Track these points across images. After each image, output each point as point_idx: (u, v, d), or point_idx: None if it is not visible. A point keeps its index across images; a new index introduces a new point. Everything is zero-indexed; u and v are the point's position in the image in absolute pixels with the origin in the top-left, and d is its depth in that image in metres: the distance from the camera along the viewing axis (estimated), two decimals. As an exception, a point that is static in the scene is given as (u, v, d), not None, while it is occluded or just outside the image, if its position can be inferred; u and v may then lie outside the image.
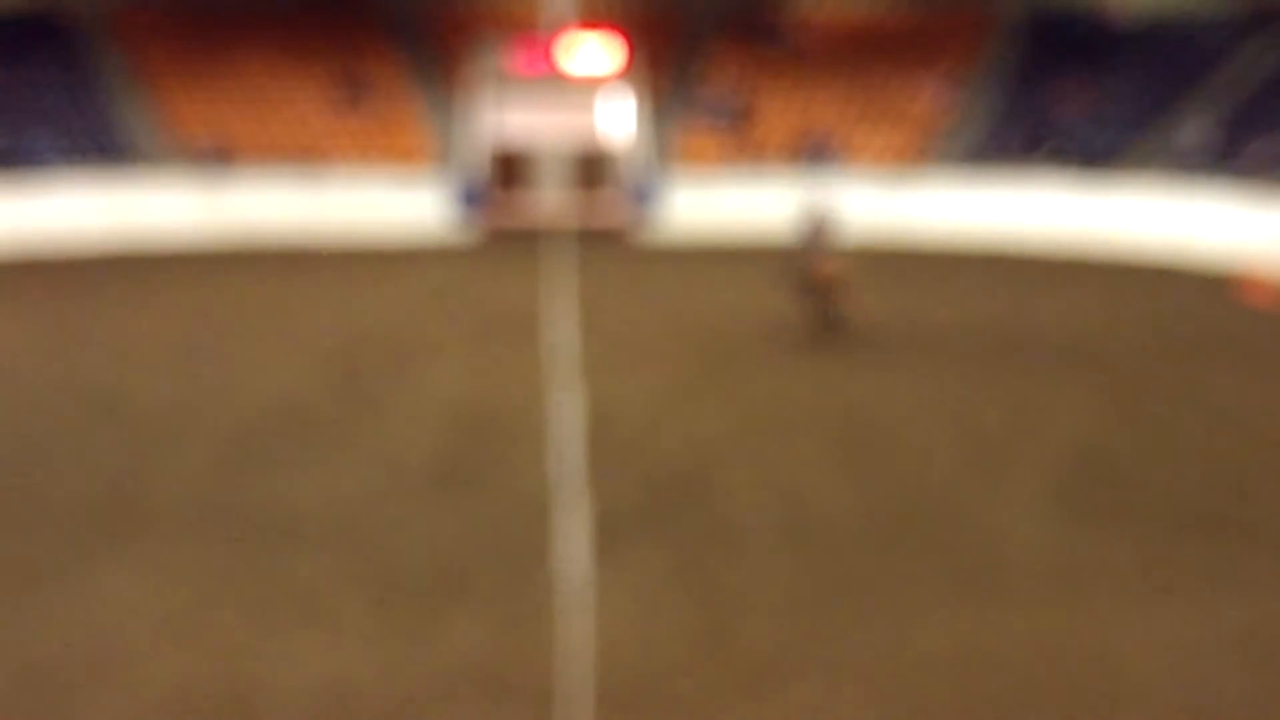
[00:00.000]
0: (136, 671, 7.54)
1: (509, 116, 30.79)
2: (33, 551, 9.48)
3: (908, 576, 9.05)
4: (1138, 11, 31.52)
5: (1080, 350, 16.82)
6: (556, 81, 30.43)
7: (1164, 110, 28.66)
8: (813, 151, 29.56)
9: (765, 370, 15.60)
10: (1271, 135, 25.90)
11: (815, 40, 32.38)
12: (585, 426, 12.33)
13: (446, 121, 30.57)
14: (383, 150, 29.50)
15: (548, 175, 31.41)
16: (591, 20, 30.01)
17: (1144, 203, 26.90)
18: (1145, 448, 12.33)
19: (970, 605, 8.55)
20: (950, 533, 9.92)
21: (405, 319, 18.96)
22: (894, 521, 10.19)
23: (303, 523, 10.07)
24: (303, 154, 29.00)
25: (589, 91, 31.20)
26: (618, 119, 31.15)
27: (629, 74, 30.76)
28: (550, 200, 31.10)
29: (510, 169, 31.04)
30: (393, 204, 28.68)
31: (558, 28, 29.04)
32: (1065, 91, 29.98)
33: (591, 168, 31.37)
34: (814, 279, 17.25)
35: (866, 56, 31.86)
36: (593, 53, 30.18)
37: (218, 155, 28.53)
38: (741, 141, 29.95)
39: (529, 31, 30.28)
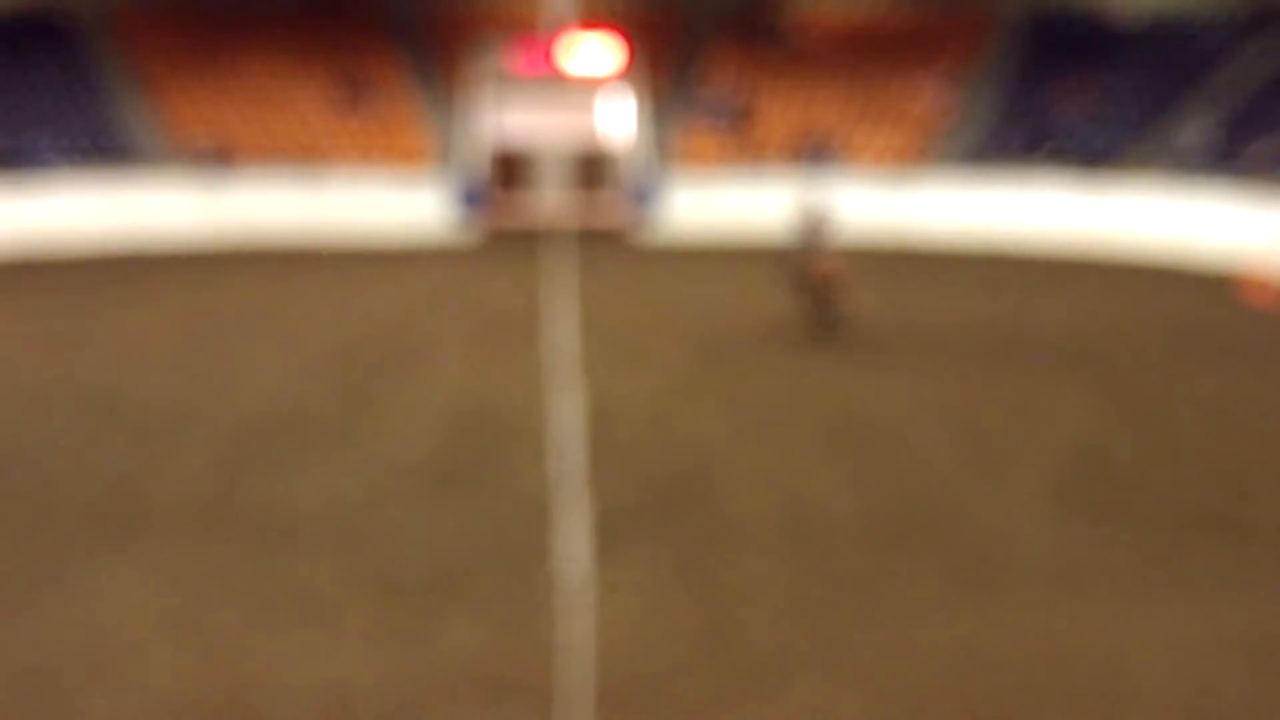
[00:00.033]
0: (136, 672, 7.53)
1: (509, 117, 30.80)
2: (33, 552, 9.48)
3: (908, 576, 9.05)
4: (1138, 11, 31.53)
5: (1080, 350, 16.82)
6: (557, 82, 30.45)
7: (1164, 110, 28.67)
8: (813, 152, 29.56)
9: (766, 370, 15.59)
10: (1272, 135, 25.90)
11: (815, 40, 32.39)
12: (585, 426, 12.33)
13: (447, 122, 30.58)
14: (383, 150, 29.51)
15: (548, 175, 31.42)
16: (591, 20, 30.01)
17: (1144, 203, 26.91)
18: (1145, 448, 12.33)
19: (970, 605, 8.54)
20: (950, 532, 9.92)
21: (405, 319, 18.97)
22: (894, 521, 10.19)
23: (303, 523, 10.06)
24: (303, 154, 29.01)
25: (589, 92, 31.21)
26: (618, 119, 31.16)
27: (629, 74, 30.77)
28: (550, 200, 31.11)
29: (510, 169, 31.05)
30: (393, 204, 28.69)
31: (558, 28, 29.05)
32: (1065, 91, 29.99)
33: (592, 168, 31.39)
34: (811, 278, 17.31)
35: (867, 57, 31.86)
36: (593, 53, 30.18)
37: (218, 155, 28.54)
38: (742, 142, 29.96)
39: (529, 32, 30.29)
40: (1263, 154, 25.64)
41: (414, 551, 9.46)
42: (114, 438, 12.47)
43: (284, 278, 23.10)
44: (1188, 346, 17.26)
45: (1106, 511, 10.44)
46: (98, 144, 28.09)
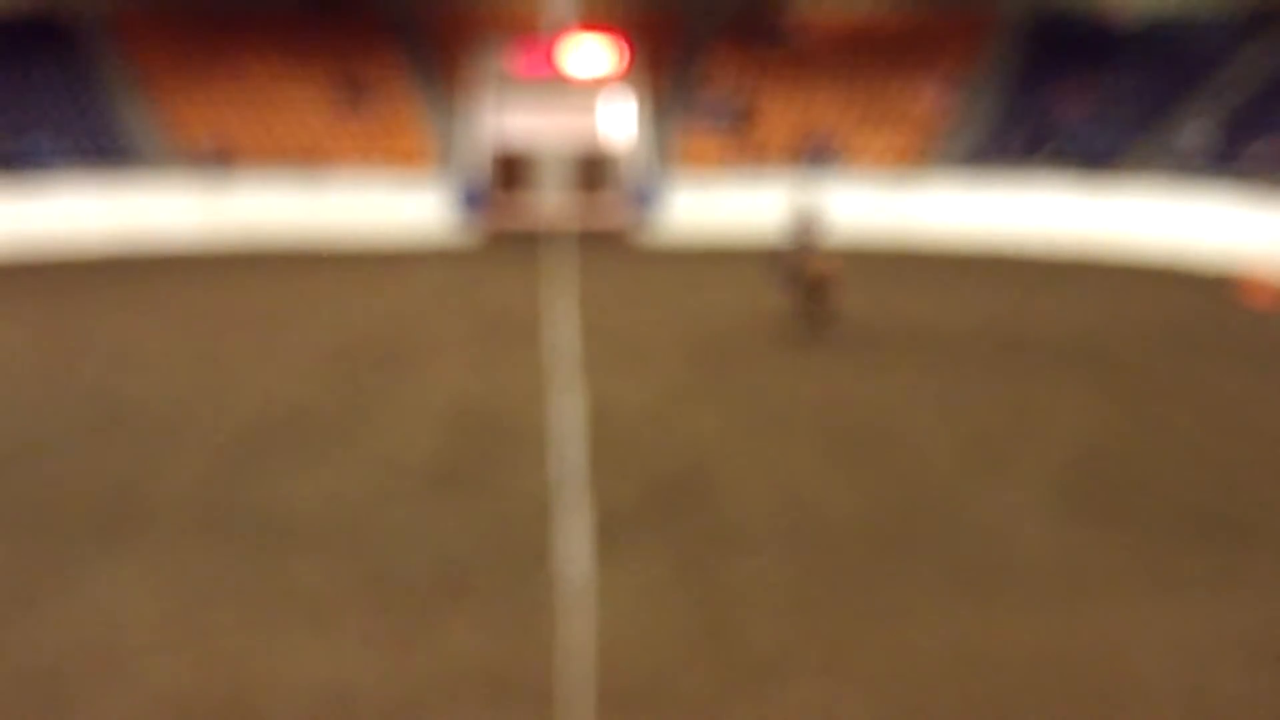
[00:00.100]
0: (136, 673, 7.54)
1: (510, 118, 30.83)
2: (33, 553, 9.49)
3: (908, 576, 9.05)
4: (1138, 13, 31.55)
5: (1081, 351, 16.83)
6: (557, 83, 30.47)
7: (1164, 111, 28.68)
8: (813, 153, 29.57)
9: (766, 371, 15.60)
10: (1272, 136, 25.91)
11: (816, 42, 32.41)
12: (586, 427, 12.34)
13: (447, 123, 30.61)
14: (383, 152, 29.52)
15: (548, 177, 31.44)
16: (592, 22, 30.04)
17: (1144, 204, 26.92)
18: (1146, 448, 12.34)
19: (970, 605, 8.55)
20: (950, 532, 9.93)
21: (406, 320, 18.98)
22: (894, 521, 10.19)
23: (303, 524, 10.07)
24: (304, 156, 29.03)
25: (590, 93, 31.23)
26: (618, 121, 31.18)
27: (630, 76, 30.79)
28: (551, 202, 31.13)
29: (511, 171, 31.07)
30: (394, 206, 28.71)
31: (558, 29, 29.07)
32: (1066, 93, 30.00)
33: (592, 169, 31.40)
34: (803, 277, 17.47)
35: (867, 58, 31.89)
36: (593, 54, 30.20)
37: (219, 157, 28.56)
38: (742, 143, 29.97)
39: (530, 33, 30.32)
40: (1263, 155, 25.64)
41: (414, 552, 9.47)
42: (114, 438, 12.48)
43: (285, 279, 23.12)
44: (1188, 347, 17.27)
45: (1106, 511, 10.45)
46: (98, 145, 28.11)
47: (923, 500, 10.71)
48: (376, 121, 30.22)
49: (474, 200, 29.28)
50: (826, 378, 15.23)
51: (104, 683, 7.42)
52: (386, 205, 28.67)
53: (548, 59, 30.00)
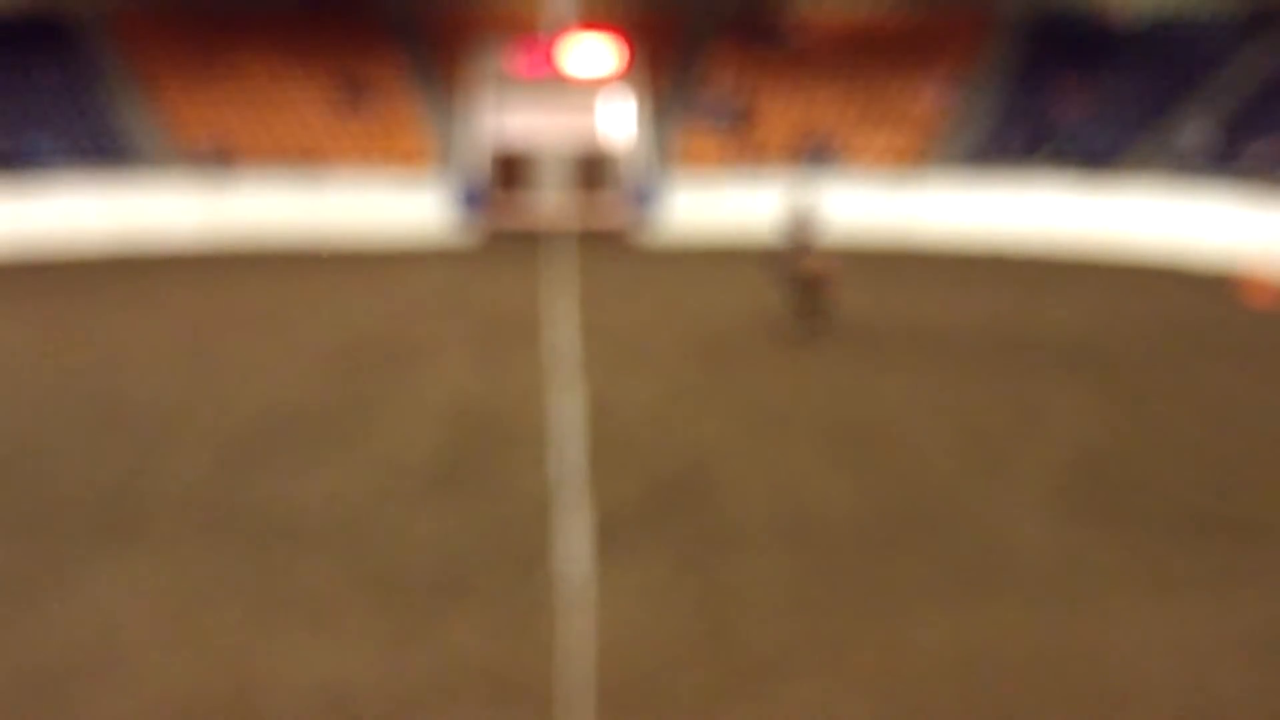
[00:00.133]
0: (136, 673, 7.54)
1: (509, 118, 30.82)
2: (33, 553, 9.49)
3: (908, 576, 9.05)
4: (1138, 12, 31.55)
5: (1081, 350, 16.83)
6: (557, 83, 30.47)
7: (1164, 111, 28.68)
8: (813, 153, 29.57)
9: (766, 370, 15.60)
10: (1271, 136, 25.91)
11: (816, 41, 32.41)
12: (586, 426, 12.33)
13: (447, 123, 30.60)
14: (383, 152, 29.52)
15: (548, 177, 31.44)
16: (592, 22, 30.03)
17: (1144, 204, 26.92)
18: (1146, 448, 12.33)
19: (970, 605, 8.55)
20: (950, 532, 9.93)
21: (406, 320, 18.97)
22: (894, 521, 10.19)
23: (303, 523, 10.07)
24: (303, 156, 29.03)
25: (589, 93, 31.23)
26: (618, 120, 31.18)
27: (629, 75, 30.79)
28: (551, 202, 31.13)
29: (511, 170, 31.07)
30: (393, 206, 28.70)
31: (558, 29, 29.07)
32: (1065, 92, 30.00)
33: (592, 169, 31.40)
34: (798, 276, 17.55)
35: (867, 58, 31.88)
36: (593, 54, 30.20)
37: (218, 157, 28.56)
38: (742, 143, 29.97)
39: (529, 33, 30.31)
40: (1262, 155, 25.65)
41: (415, 552, 9.47)
42: (114, 438, 12.48)
43: (284, 279, 23.11)
44: (1187, 347, 17.27)
45: (1106, 511, 10.45)
46: (98, 145, 28.11)
47: (923, 500, 10.71)
48: (376, 121, 30.22)
49: (474, 200, 29.28)
50: (826, 377, 15.23)
51: (104, 683, 7.42)
52: (386, 205, 28.67)
53: (547, 59, 29.99)
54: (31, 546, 9.61)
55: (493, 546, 9.57)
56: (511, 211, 30.38)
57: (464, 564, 9.23)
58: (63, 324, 18.70)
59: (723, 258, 25.85)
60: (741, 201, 28.45)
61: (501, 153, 30.83)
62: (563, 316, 17.52)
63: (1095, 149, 28.35)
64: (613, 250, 26.93)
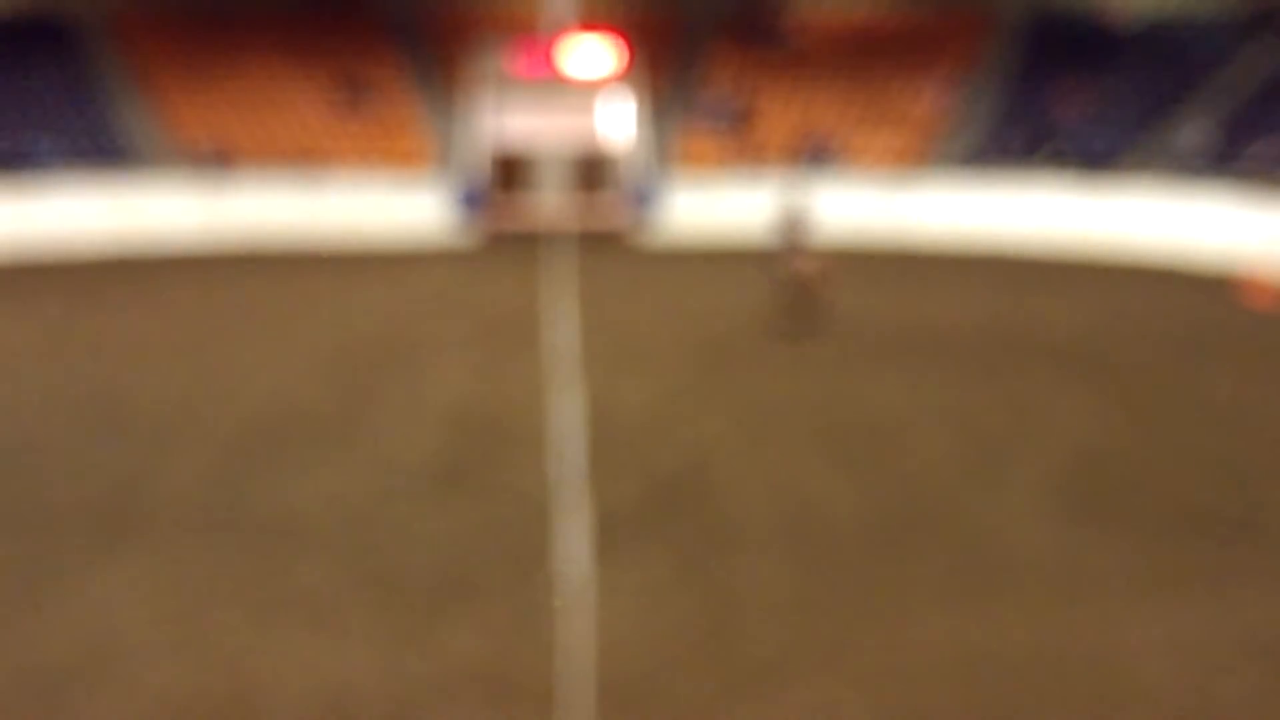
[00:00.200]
0: (136, 673, 7.54)
1: (509, 119, 30.82)
2: (33, 553, 9.48)
3: (908, 576, 9.05)
4: (1138, 13, 31.56)
5: (1081, 351, 16.83)
6: (556, 84, 30.46)
7: (1164, 112, 28.69)
8: (812, 153, 29.57)
9: (766, 371, 15.60)
10: (1271, 137, 25.92)
11: (815, 42, 32.41)
12: (585, 427, 12.33)
13: (446, 124, 30.61)
14: (383, 153, 29.52)
15: (548, 178, 31.43)
16: (591, 22, 30.03)
17: (1144, 204, 26.92)
18: (1145, 448, 12.33)
19: (970, 605, 8.55)
20: (950, 533, 9.92)
21: (406, 321, 18.97)
22: (894, 521, 10.19)
23: (303, 524, 10.07)
24: (303, 156, 29.03)
25: (589, 94, 31.23)
26: (618, 121, 31.18)
27: (629, 76, 30.79)
28: (550, 203, 31.12)
29: (510, 171, 31.06)
30: (393, 206, 28.70)
31: (558, 30, 29.06)
32: (1065, 93, 30.01)
33: (592, 170, 31.39)
34: (791, 275, 17.75)
35: (866, 58, 31.89)
36: (593, 55, 30.21)
37: (218, 158, 28.56)
38: (741, 144, 29.97)
39: (529, 34, 30.31)
40: (1262, 155, 25.65)
41: (415, 552, 9.47)
42: (114, 439, 12.48)
43: (284, 280, 23.11)
44: (1187, 347, 17.27)
45: (1106, 512, 10.44)
46: (98, 146, 28.11)
47: (923, 500, 10.71)
48: (376, 122, 30.22)
49: (473, 201, 29.28)
50: (825, 377, 15.23)
51: (103, 683, 7.42)
52: (386, 206, 28.67)
53: (547, 59, 30.00)
54: (32, 546, 9.61)
55: (493, 547, 9.57)
56: (511, 212, 30.38)
57: (464, 564, 9.23)
58: (63, 325, 18.70)
59: (722, 258, 25.85)
60: (741, 202, 28.44)
61: (501, 153, 30.83)
62: (562, 317, 17.51)
63: (1095, 149, 28.35)
64: (612, 251, 26.93)
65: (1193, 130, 27.70)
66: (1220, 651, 7.88)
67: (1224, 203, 25.44)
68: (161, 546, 9.59)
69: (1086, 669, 7.63)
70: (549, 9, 28.76)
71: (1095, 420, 13.31)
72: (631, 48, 30.60)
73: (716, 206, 28.81)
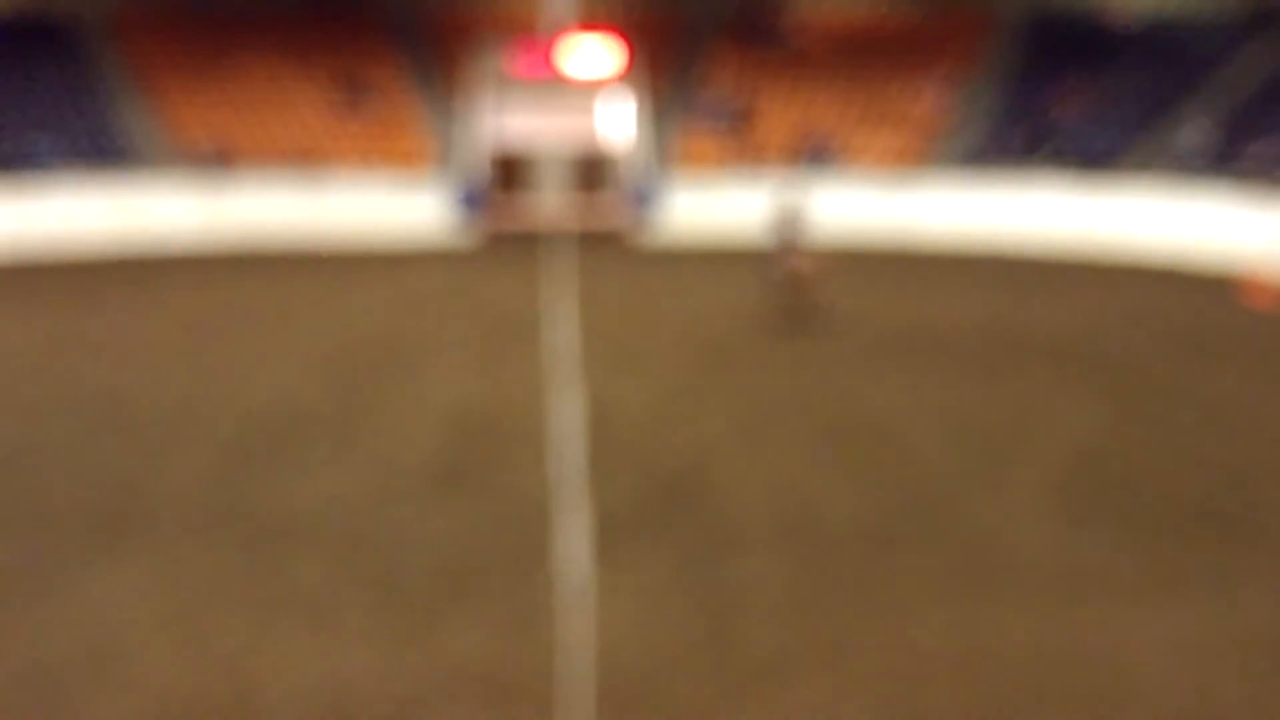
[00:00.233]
0: (137, 673, 7.54)
1: (509, 119, 30.83)
2: (34, 553, 9.49)
3: (908, 576, 9.05)
4: (1138, 13, 31.56)
5: (1080, 351, 16.83)
6: (556, 84, 30.48)
7: (1164, 112, 28.69)
8: (812, 153, 29.57)
9: (765, 371, 15.61)
10: (1271, 137, 25.92)
11: (815, 42, 32.42)
12: (585, 427, 12.33)
13: (446, 124, 30.61)
14: (383, 153, 29.53)
15: (548, 178, 31.44)
16: (591, 23, 30.04)
17: (1144, 204, 26.93)
18: (1146, 448, 12.33)
19: (970, 605, 8.55)
20: (950, 533, 9.92)
21: (405, 321, 18.98)
22: (894, 522, 10.19)
23: (303, 524, 10.07)
24: (303, 157, 29.03)
25: (589, 94, 31.24)
26: (618, 121, 31.18)
27: (629, 76, 30.80)
28: (550, 203, 31.13)
29: (510, 172, 31.07)
30: (393, 207, 28.71)
31: (558, 30, 29.07)
32: (1065, 93, 30.01)
33: (591, 170, 31.40)
34: (786, 273, 18.07)
35: (866, 58, 31.89)
36: (593, 55, 30.21)
37: (218, 158, 28.56)
38: (741, 144, 29.98)
39: (529, 34, 30.32)
40: (1262, 155, 25.65)
41: (414, 552, 9.47)
42: (115, 439, 12.48)
43: (284, 280, 23.12)
44: (1188, 347, 17.27)
45: (1106, 512, 10.44)
46: (98, 146, 28.12)
47: (922, 500, 10.71)
48: (376, 122, 30.22)
49: (473, 201, 29.28)
50: (825, 377, 15.23)
51: (104, 683, 7.42)
52: (386, 206, 28.68)
53: (547, 60, 30.01)
54: (32, 546, 9.61)
55: (492, 547, 9.57)
56: (511, 213, 30.38)
57: (464, 564, 9.23)
58: (63, 325, 18.70)
59: (722, 259, 25.85)
60: (741, 202, 28.45)
61: (501, 154, 30.84)
62: (562, 317, 17.52)
63: (1095, 149, 28.35)
64: (612, 251, 26.93)
65: (1193, 130, 27.70)
66: (1220, 651, 7.88)
67: (1224, 203, 25.44)
68: (162, 546, 9.60)
69: (1086, 669, 7.63)
70: (549, 9, 28.78)
71: (1095, 420, 13.31)
72: (631, 48, 30.61)
73: (716, 206, 28.82)
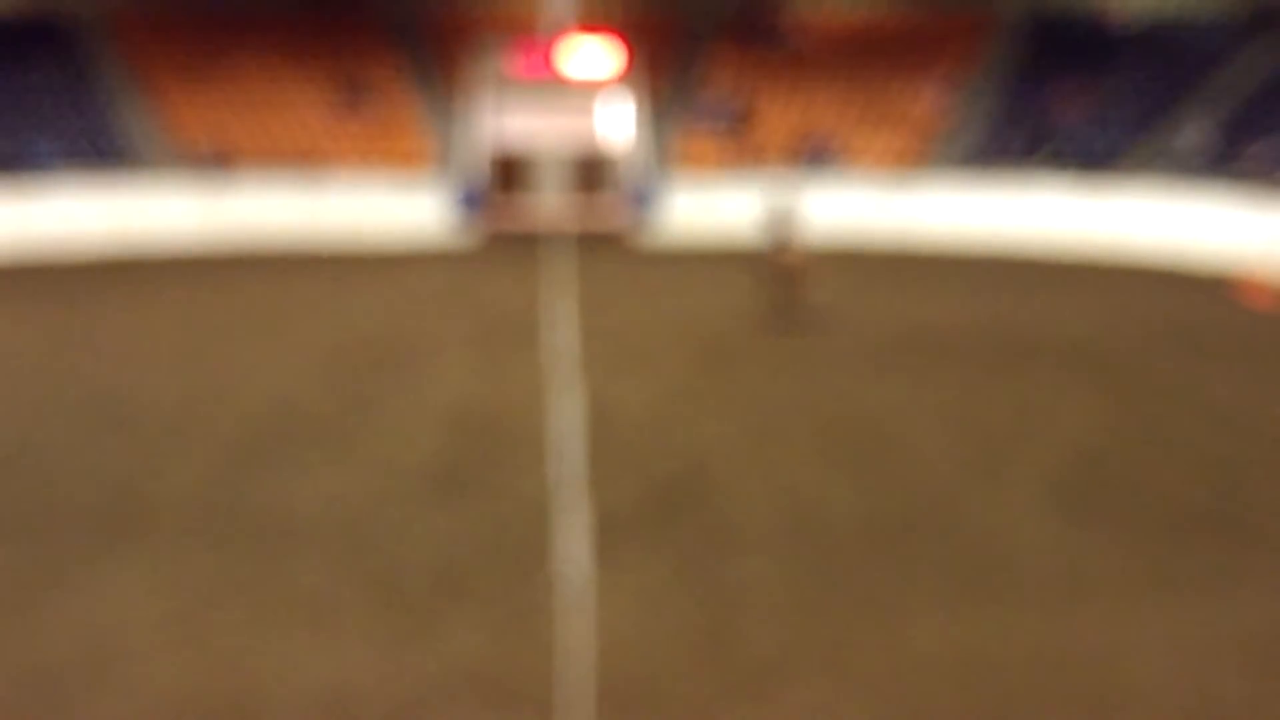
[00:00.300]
0: (137, 674, 7.54)
1: (508, 120, 30.82)
2: (34, 554, 9.48)
3: (908, 577, 9.05)
4: (1137, 14, 31.56)
5: (1080, 352, 16.83)
6: (556, 85, 30.47)
7: (1163, 113, 28.69)
8: (812, 154, 29.57)
9: (765, 372, 15.60)
10: (1270, 138, 25.92)
11: (815, 43, 32.41)
12: (585, 428, 12.33)
13: (446, 125, 30.60)
14: (382, 154, 29.52)
15: (547, 179, 31.43)
16: (591, 24, 30.03)
17: (1143, 205, 26.92)
18: (1145, 449, 12.33)
19: (970, 606, 8.55)
20: (950, 534, 9.92)
21: (405, 322, 18.97)
22: (894, 522, 10.19)
23: (303, 525, 10.07)
24: (302, 158, 29.02)
25: (588, 95, 31.23)
26: (617, 122, 31.18)
27: (628, 77, 30.79)
28: (550, 204, 31.12)
29: (510, 172, 31.06)
30: (392, 207, 28.69)
31: (557, 31, 29.06)
32: (1065, 94, 30.01)
33: (591, 171, 31.39)
34: (778, 270, 18.46)
35: (866, 59, 31.89)
36: (592, 56, 30.21)
37: (218, 159, 28.55)
38: (741, 144, 29.97)
39: (529, 35, 30.31)
40: (1261, 156, 25.65)
41: (414, 554, 9.47)
42: (115, 440, 12.48)
43: (284, 281, 23.11)
44: (1187, 348, 17.27)
45: (1106, 513, 10.44)
46: (97, 147, 28.10)
47: (922, 501, 10.71)
48: (375, 123, 30.21)
49: (473, 202, 29.27)
50: (825, 378, 15.23)
51: (104, 683, 7.42)
52: (385, 207, 28.66)
53: (546, 60, 30.00)
54: (32, 547, 9.61)
55: (492, 548, 9.57)
56: (510, 213, 30.37)
57: (464, 565, 9.23)
58: (63, 326, 18.70)
59: (722, 259, 25.83)
60: (740, 203, 28.42)
61: (500, 154, 30.83)
62: (562, 318, 17.52)
63: (1094, 150, 28.35)
64: (612, 252, 26.92)
65: (1192, 131, 27.70)
66: (1220, 651, 7.88)
67: (1223, 203, 25.44)
68: (162, 547, 9.59)
69: (1086, 669, 7.63)
70: (548, 10, 28.77)
71: (1095, 420, 13.31)
72: (631, 48, 30.60)
73: (716, 207, 28.81)
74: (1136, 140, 28.30)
